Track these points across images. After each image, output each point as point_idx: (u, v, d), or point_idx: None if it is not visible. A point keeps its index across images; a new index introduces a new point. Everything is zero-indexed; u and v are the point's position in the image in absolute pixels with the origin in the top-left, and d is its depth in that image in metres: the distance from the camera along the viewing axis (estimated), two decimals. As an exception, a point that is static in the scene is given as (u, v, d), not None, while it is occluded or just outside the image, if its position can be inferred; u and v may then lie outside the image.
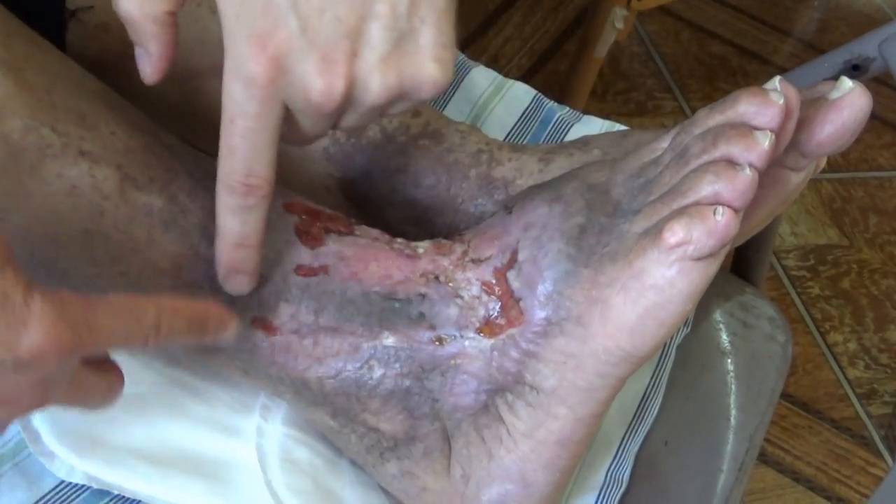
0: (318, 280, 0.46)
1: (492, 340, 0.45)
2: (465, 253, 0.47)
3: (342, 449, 0.50)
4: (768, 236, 0.69)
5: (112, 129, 0.45)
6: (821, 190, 1.49)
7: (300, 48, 0.38)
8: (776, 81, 0.43)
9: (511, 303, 0.45)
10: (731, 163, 0.42)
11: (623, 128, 0.69)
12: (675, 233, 0.41)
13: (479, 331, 0.46)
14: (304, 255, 0.46)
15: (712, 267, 0.42)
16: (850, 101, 0.45)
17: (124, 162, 0.45)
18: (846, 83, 0.45)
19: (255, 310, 0.46)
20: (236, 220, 0.41)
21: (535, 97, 0.69)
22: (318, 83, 0.38)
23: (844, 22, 1.79)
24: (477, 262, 0.46)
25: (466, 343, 0.46)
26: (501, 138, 0.66)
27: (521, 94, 0.69)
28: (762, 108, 0.42)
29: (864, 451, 1.26)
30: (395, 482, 0.49)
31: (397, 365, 0.46)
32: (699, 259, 0.41)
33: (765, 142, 0.42)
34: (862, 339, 1.36)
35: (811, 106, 0.45)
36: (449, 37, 0.40)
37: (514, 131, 0.67)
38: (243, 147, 0.39)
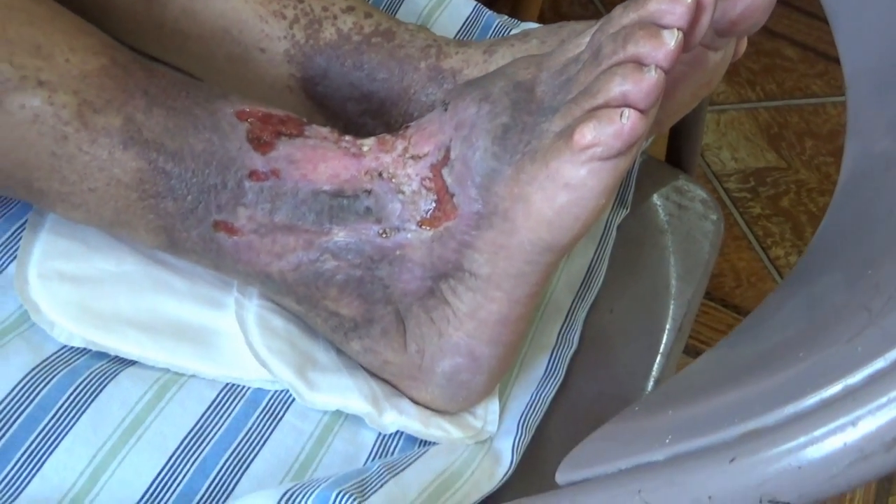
0: (271, 183, 0.50)
1: (431, 232, 0.49)
2: (405, 150, 0.50)
3: (313, 327, 0.55)
4: (697, 124, 0.74)
5: (67, 57, 0.48)
6: (758, 118, 1.55)
7: None
8: None
9: (446, 198, 0.49)
10: (639, 64, 0.44)
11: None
12: (584, 135, 0.44)
13: (419, 223, 0.49)
14: (256, 160, 0.50)
15: (623, 164, 0.45)
16: None
17: (81, 87, 0.48)
18: None
19: (214, 214, 0.50)
20: None
21: (475, 7, 0.73)
22: None
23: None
24: (416, 158, 0.50)
25: (409, 235, 0.50)
26: (447, 43, 0.71)
27: (461, 5, 0.73)
28: (671, 6, 0.44)
29: (806, 354, 1.32)
30: (360, 357, 0.54)
31: (349, 256, 0.50)
32: (608, 159, 0.44)
33: (671, 41, 0.44)
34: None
35: None
36: None
37: (457, 37, 0.71)
38: None
